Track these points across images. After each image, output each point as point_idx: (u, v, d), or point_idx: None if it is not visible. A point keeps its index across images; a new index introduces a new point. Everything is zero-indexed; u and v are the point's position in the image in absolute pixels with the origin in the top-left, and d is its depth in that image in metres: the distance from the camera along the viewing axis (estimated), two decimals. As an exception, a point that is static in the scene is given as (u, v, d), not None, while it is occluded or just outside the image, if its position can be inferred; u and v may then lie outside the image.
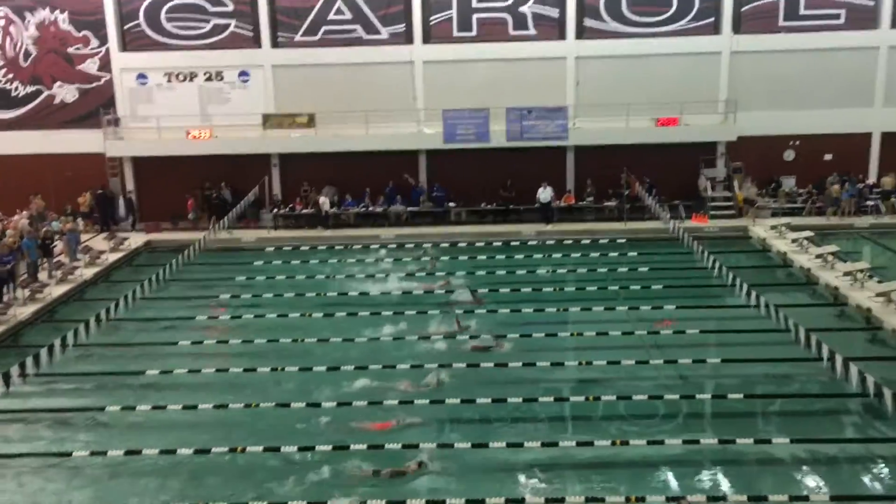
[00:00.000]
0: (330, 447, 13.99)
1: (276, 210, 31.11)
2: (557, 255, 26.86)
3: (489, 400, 15.67)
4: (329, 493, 12.70)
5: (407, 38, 31.12)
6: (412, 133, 30.86)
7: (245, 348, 19.30)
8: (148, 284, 22.31)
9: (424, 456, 13.53)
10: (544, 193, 30.06)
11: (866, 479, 13.13)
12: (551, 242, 28.30)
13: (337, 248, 28.51)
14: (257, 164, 31.18)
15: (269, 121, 30.96)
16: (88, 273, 25.30)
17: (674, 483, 13.03)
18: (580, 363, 17.52)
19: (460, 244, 28.32)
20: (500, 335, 19.13)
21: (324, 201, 30.51)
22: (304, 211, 30.98)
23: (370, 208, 30.93)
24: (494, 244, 28.21)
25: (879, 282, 21.18)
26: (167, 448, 14.27)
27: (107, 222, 31.26)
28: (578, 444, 13.97)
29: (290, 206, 31.26)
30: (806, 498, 12.40)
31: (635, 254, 26.32)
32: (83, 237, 27.98)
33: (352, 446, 13.93)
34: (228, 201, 30.59)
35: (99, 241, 28.71)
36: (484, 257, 26.85)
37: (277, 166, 31.78)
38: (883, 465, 13.46)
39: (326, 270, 25.81)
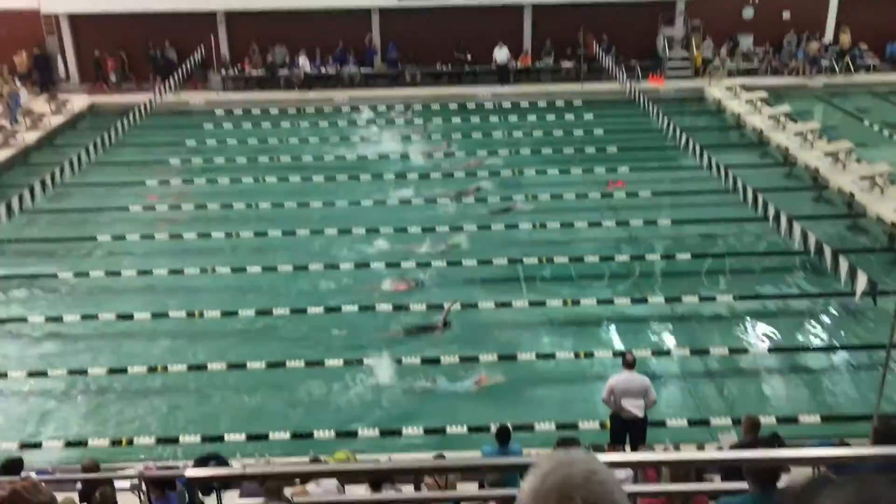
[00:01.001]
0: (288, 310, 14.23)
1: (224, 71, 30.03)
2: (513, 118, 26.62)
3: (445, 263, 15.95)
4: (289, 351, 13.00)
5: None
6: (364, -11, 29.62)
7: (199, 213, 19.12)
8: (94, 149, 21.69)
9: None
10: (500, 53, 29.41)
11: (803, 332, 13.83)
12: (507, 105, 27.96)
13: (289, 111, 27.83)
14: (202, 23, 29.75)
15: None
16: (31, 137, 24.47)
17: (620, 339, 13.56)
18: (534, 225, 17.73)
19: (415, 106, 27.83)
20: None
21: (303, 62, 29.44)
22: (254, 72, 29.97)
23: (322, 69, 30.01)
24: (450, 106, 27.80)
25: (829, 142, 21.50)
26: (123, 313, 14.35)
27: (45, 83, 29.93)
28: (531, 303, 14.36)
29: (239, 66, 30.19)
30: (745, 350, 13.05)
31: (591, 116, 26.20)
32: (23, 99, 26.81)
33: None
34: (174, 62, 29.38)
35: (39, 104, 27.59)
36: (439, 120, 26.49)
37: (224, 24, 30.41)
38: (818, 318, 14.15)
39: (279, 134, 25.30)
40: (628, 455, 7.49)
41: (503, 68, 29.47)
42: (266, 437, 11.02)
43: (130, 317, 14.27)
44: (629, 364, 10.23)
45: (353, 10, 29.68)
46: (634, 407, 10.03)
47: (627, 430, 10.09)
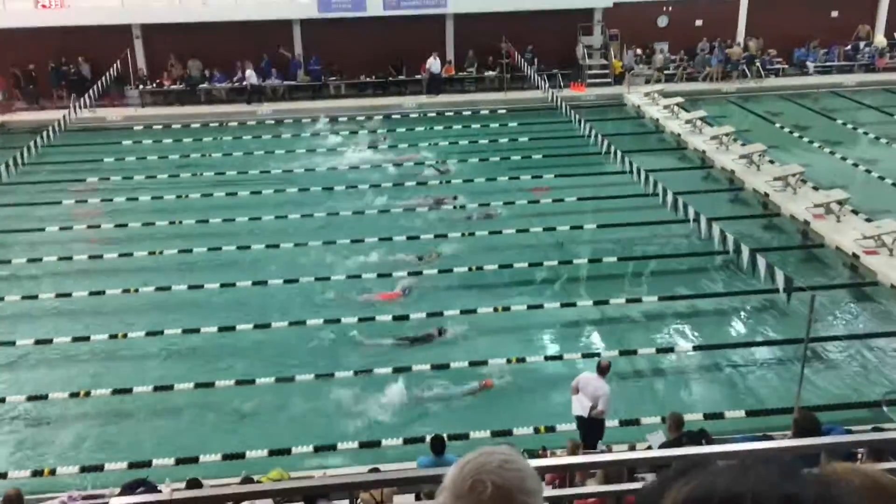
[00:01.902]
0: (216, 328, 13.95)
1: (142, 86, 29.34)
2: (439, 128, 26.74)
3: (375, 275, 15.89)
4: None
5: None
6: (285, 1, 29.31)
7: (119, 232, 18.59)
8: (5, 169, 20.88)
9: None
10: (434, 64, 29.54)
11: (725, 330, 14.25)
12: (433, 114, 28.09)
13: (211, 125, 27.34)
14: (118, 37, 29.00)
15: (127, -12, 28.62)
16: (-63, 159, 23.39)
17: (553, 344, 13.74)
18: (463, 234, 17.83)
19: (341, 118, 27.71)
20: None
21: (249, 74, 28.89)
22: (173, 87, 29.36)
23: (244, 83, 29.57)
24: (375, 117, 27.76)
25: (743, 144, 22.25)
26: (42, 338, 13.85)
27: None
28: (462, 311, 14.42)
29: (157, 81, 29.53)
30: (671, 349, 13.37)
31: (516, 124, 26.54)
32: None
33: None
34: (87, 78, 28.53)
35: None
36: (365, 131, 26.42)
37: (140, 38, 29.71)
38: (739, 316, 14.61)
39: (202, 148, 24.81)
40: (559, 459, 7.58)
41: (436, 78, 29.55)
42: (196, 460, 10.76)
43: (49, 341, 13.76)
44: (600, 369, 10.71)
45: (274, 22, 29.36)
46: (578, 404, 10.51)
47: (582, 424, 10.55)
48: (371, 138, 25.52)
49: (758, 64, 30.45)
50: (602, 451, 10.06)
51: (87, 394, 12.38)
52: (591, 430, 10.41)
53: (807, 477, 0.85)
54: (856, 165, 21.70)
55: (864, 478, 1.93)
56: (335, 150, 24.49)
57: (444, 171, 22.01)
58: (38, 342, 13.76)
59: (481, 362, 12.86)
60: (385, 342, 13.61)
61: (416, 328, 13.95)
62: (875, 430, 9.74)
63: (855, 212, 17.80)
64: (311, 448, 10.97)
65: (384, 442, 11.09)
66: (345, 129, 26.69)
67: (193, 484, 8.79)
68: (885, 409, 11.53)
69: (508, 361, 12.90)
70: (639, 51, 31.01)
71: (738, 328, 14.29)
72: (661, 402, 11.92)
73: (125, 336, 13.95)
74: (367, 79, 30.12)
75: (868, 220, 17.16)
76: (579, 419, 10.58)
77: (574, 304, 14.77)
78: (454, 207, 19.45)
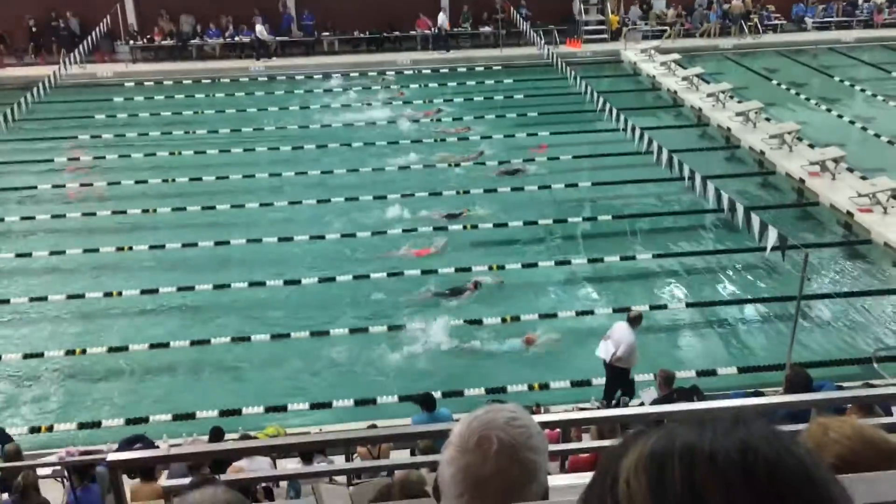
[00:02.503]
0: (211, 286, 13.97)
1: (132, 42, 28.93)
2: (434, 85, 26.50)
3: (371, 233, 15.87)
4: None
5: None
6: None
7: (112, 190, 18.49)
8: (-4, 126, 20.66)
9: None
10: (441, 18, 29.19)
11: (718, 287, 14.31)
12: (427, 71, 27.81)
13: (204, 81, 27.05)
14: (107, -9, 28.56)
15: (115, -59, 28.07)
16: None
17: (546, 302, 13.78)
18: (457, 192, 17.78)
19: (334, 74, 27.43)
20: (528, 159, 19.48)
21: (260, 30, 28.53)
22: (164, 42, 28.96)
23: (236, 38, 29.19)
24: (369, 74, 27.49)
25: (739, 102, 22.13)
26: (36, 295, 13.85)
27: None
28: (457, 269, 14.44)
29: (149, 36, 29.12)
30: (664, 306, 13.43)
31: (511, 81, 26.32)
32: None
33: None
34: (77, 33, 28.11)
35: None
36: (360, 88, 26.17)
37: (130, -7, 29.23)
38: (733, 273, 14.66)
39: (194, 106, 24.57)
40: (555, 415, 7.65)
41: (444, 33, 29.19)
42: (193, 416, 10.85)
43: (44, 299, 13.76)
44: (630, 319, 10.91)
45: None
46: (603, 348, 10.75)
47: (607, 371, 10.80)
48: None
49: (755, 19, 30.14)
50: (596, 408, 10.17)
51: (84, 351, 12.41)
52: (612, 379, 10.61)
53: (765, 430, 0.88)
54: (852, 123, 21.62)
55: (853, 430, 1.96)
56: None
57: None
58: (32, 300, 13.76)
59: (476, 321, 12.92)
60: (422, 295, 13.68)
61: (448, 283, 14.02)
62: (865, 385, 9.85)
63: (850, 169, 17.77)
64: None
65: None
66: (357, 84, 26.39)
67: (217, 434, 8.86)
68: (875, 365, 11.64)
69: (503, 321, 12.95)
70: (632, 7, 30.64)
71: (731, 286, 14.35)
72: (654, 359, 11.99)
73: (120, 294, 13.95)
74: (361, 35, 29.75)
75: (863, 178, 17.14)
76: (605, 365, 10.76)
77: (569, 262, 14.80)
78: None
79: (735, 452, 0.83)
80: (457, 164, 19.40)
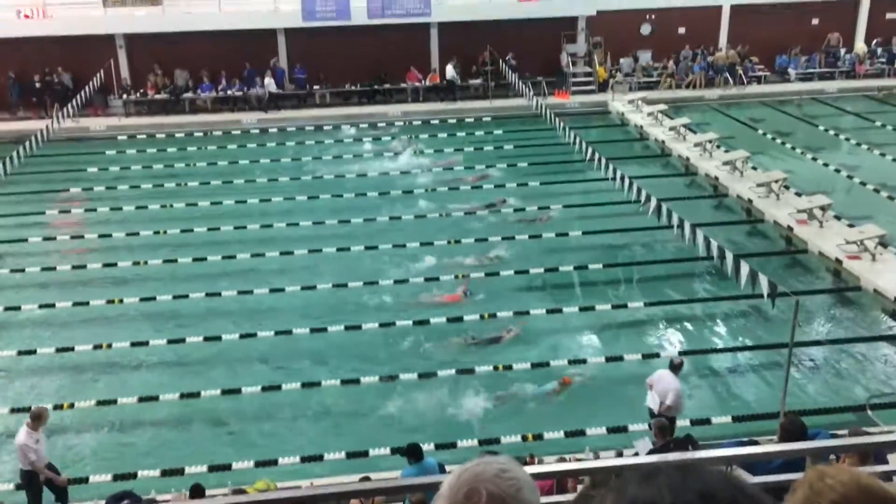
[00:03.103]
0: (202, 338, 13.88)
1: (125, 95, 29.22)
2: (424, 136, 26.79)
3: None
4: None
5: None
6: (269, 10, 29.32)
7: (103, 242, 18.49)
8: (-12, 180, 20.71)
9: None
10: (451, 71, 29.66)
11: (710, 335, 14.31)
12: (418, 123, 28.13)
13: (196, 134, 27.26)
14: (101, 47, 28.90)
15: (109, -2, 28.56)
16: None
17: (536, 351, 13.74)
18: (449, 241, 17.85)
19: (325, 127, 27.71)
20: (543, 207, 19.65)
21: (268, 82, 28.98)
22: (157, 96, 29.26)
23: (228, 91, 29.52)
24: (361, 126, 27.79)
25: (726, 151, 22.41)
26: (25, 349, 13.74)
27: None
28: (448, 319, 14.41)
29: (142, 90, 29.42)
30: (657, 355, 13.40)
31: (501, 132, 26.63)
32: None
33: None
34: (69, 87, 28.38)
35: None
36: (350, 140, 26.43)
37: (124, 48, 29.61)
38: (724, 321, 14.68)
39: (186, 159, 24.72)
40: (547, 466, 7.59)
41: (451, 84, 29.67)
42: (182, 471, 10.68)
43: (33, 352, 13.66)
44: (672, 366, 11.05)
45: (258, 31, 29.33)
46: (651, 398, 10.86)
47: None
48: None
49: (739, 71, 30.70)
50: (590, 458, 10.07)
51: (72, 405, 12.28)
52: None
53: (716, 475, 0.89)
54: (837, 171, 21.89)
55: (850, 477, 1.96)
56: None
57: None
58: (20, 353, 13.65)
59: (468, 370, 12.87)
60: (455, 342, 13.83)
61: (479, 330, 14.17)
62: (860, 433, 9.79)
63: (837, 217, 17.94)
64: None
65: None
66: (329, 137, 26.70)
67: (197, 490, 8.73)
68: (869, 412, 11.61)
69: (495, 368, 12.90)
70: (623, 59, 31.21)
71: (723, 334, 14.35)
72: (649, 408, 11.92)
73: (109, 346, 13.86)
74: (353, 87, 30.14)
75: (850, 226, 17.30)
76: (650, 412, 10.79)
77: (560, 311, 14.81)
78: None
79: (697, 501, 0.83)
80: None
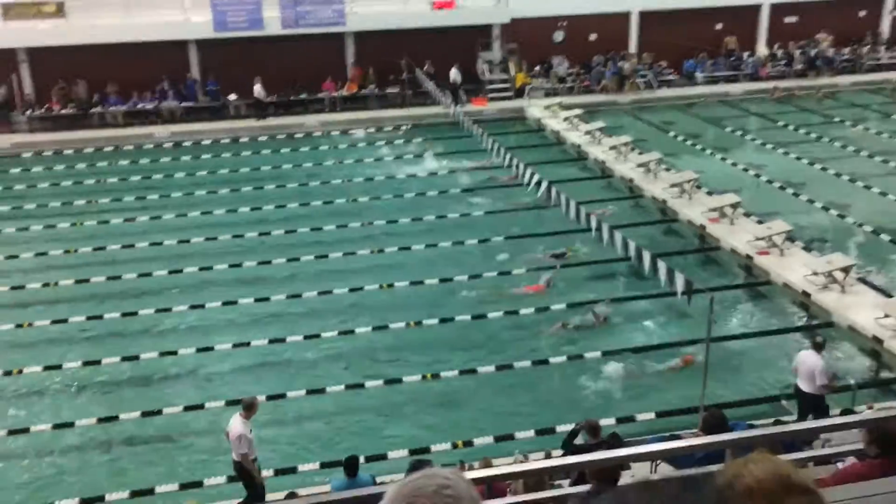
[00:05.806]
0: (119, 358, 13.41)
1: (29, 111, 28.09)
2: (343, 146, 26.61)
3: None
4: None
5: (166, -86, 28.32)
6: (179, 21, 28.64)
7: (9, 264, 17.71)
8: None
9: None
10: (454, 73, 29.46)
11: (630, 333, 14.61)
12: (336, 133, 27.93)
13: (106, 149, 26.39)
14: (2, 61, 27.76)
15: (10, 11, 27.44)
16: None
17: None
18: (371, 251, 17.77)
19: (242, 139, 27.23)
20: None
21: (257, 89, 28.16)
22: (63, 111, 28.22)
23: (139, 105, 28.69)
24: (278, 137, 27.42)
25: (640, 153, 22.97)
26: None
27: None
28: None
29: (46, 106, 28.34)
30: (580, 356, 13.59)
31: (420, 139, 26.67)
32: None
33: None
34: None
35: None
36: (269, 151, 26.05)
37: (27, 62, 28.47)
38: (643, 318, 15.01)
39: (97, 174, 23.90)
40: (481, 472, 7.57)
41: (455, 86, 29.42)
42: (151, 491, 10.41)
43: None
44: (815, 345, 11.38)
45: (169, 43, 28.61)
46: (800, 381, 11.21)
47: (801, 400, 11.32)
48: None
49: (649, 76, 31.54)
50: (518, 462, 10.13)
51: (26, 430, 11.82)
52: (808, 405, 11.03)
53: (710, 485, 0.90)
54: (745, 170, 22.70)
55: (768, 464, 2.02)
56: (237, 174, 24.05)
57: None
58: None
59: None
60: (553, 329, 14.46)
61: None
62: (776, 423, 10.17)
63: (747, 214, 18.59)
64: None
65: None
66: (247, 150, 26.26)
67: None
68: (783, 402, 12.05)
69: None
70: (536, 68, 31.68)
71: (643, 332, 14.67)
72: (575, 408, 12.10)
73: (20, 372, 13.27)
74: (269, 98, 29.72)
75: (759, 223, 17.95)
76: (799, 391, 11.21)
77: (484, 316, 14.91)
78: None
79: None
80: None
